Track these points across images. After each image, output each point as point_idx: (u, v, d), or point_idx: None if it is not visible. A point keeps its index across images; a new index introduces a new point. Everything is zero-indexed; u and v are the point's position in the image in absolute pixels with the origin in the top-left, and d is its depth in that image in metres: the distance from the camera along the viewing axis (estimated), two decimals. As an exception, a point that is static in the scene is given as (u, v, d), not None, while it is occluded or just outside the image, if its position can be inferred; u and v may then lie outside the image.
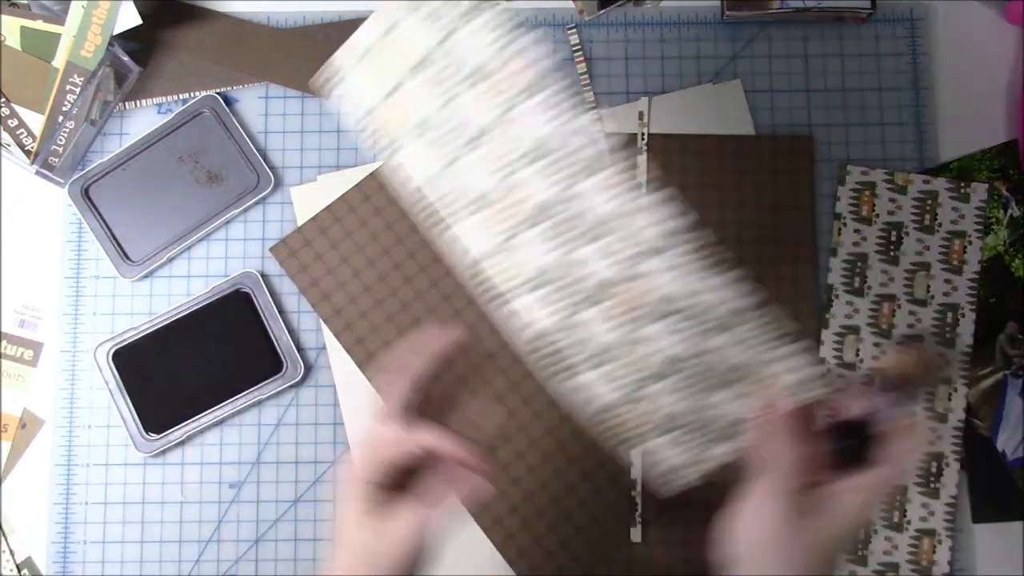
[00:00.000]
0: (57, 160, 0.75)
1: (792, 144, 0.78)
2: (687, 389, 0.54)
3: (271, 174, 0.76)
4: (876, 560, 0.73)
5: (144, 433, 0.73)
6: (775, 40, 0.80)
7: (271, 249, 0.76)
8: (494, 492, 0.55)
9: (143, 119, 0.79)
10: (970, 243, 0.76)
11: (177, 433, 0.73)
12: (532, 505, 0.73)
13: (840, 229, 0.76)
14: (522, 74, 0.51)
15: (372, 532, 0.51)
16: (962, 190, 0.76)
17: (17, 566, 0.73)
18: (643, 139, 0.77)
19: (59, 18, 0.74)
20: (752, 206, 0.77)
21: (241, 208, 0.76)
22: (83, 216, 0.76)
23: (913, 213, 0.76)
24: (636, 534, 0.73)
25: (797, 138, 0.78)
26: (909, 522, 0.73)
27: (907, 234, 0.76)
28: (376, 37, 0.53)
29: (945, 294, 0.75)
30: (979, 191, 0.77)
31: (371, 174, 0.77)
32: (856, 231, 0.76)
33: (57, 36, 0.74)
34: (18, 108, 0.75)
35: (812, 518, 0.50)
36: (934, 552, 0.73)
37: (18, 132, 0.75)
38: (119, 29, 0.74)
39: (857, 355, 0.75)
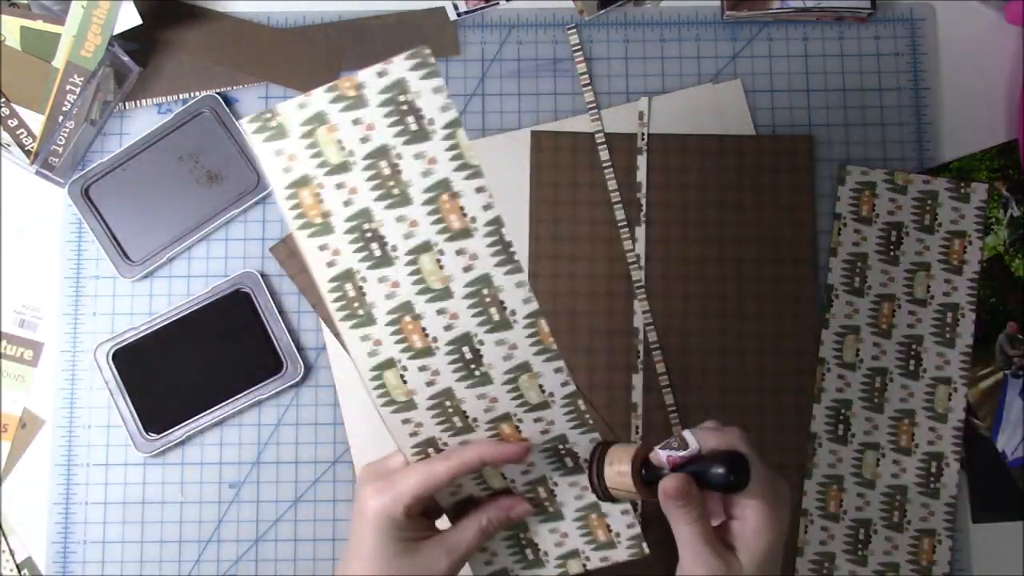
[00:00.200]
0: (57, 160, 0.75)
1: (792, 144, 0.78)
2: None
3: (271, 174, 0.76)
4: (876, 560, 0.73)
5: (144, 433, 0.73)
6: (775, 40, 0.80)
7: (271, 249, 0.76)
8: (531, 511, 0.55)
9: (143, 119, 0.79)
10: (970, 243, 0.76)
11: (177, 433, 0.73)
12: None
13: (840, 229, 0.76)
14: (458, 215, 0.49)
15: (408, 570, 0.51)
16: (962, 190, 0.76)
17: (17, 566, 0.73)
18: (643, 139, 0.77)
19: (59, 18, 0.74)
20: (752, 206, 0.77)
21: (241, 208, 0.76)
22: (83, 216, 0.76)
23: (913, 213, 0.76)
24: (636, 534, 0.73)
25: (797, 138, 0.78)
26: (909, 522, 0.73)
27: (907, 234, 0.76)
28: (337, 108, 0.49)
29: (945, 294, 0.75)
30: (979, 191, 0.77)
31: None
32: (856, 231, 0.76)
33: (57, 36, 0.74)
34: (18, 108, 0.75)
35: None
36: (934, 552, 0.73)
37: (18, 132, 0.75)
38: (119, 29, 0.74)
39: (857, 355, 0.75)
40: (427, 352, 0.51)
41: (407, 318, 0.50)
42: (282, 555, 0.73)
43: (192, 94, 0.78)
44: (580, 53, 0.79)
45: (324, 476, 0.74)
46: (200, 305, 0.75)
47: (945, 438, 0.74)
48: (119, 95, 0.78)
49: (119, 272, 0.75)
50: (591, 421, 0.52)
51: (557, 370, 0.51)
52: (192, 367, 0.74)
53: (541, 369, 0.51)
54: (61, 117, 0.74)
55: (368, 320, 0.51)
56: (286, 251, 0.76)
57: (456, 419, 0.52)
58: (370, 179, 0.50)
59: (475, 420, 0.52)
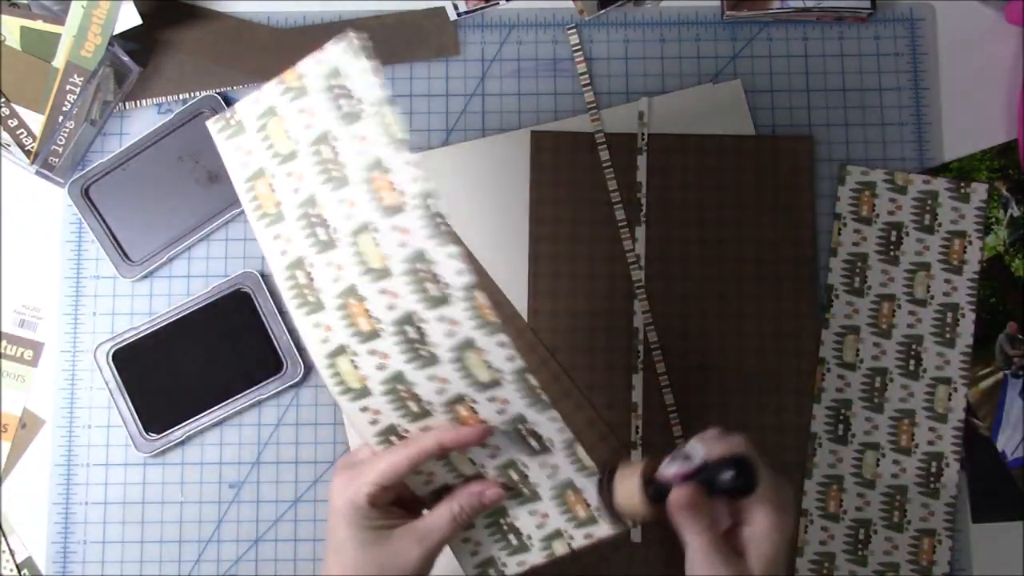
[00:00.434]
0: (57, 160, 0.75)
1: (792, 144, 0.78)
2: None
3: (271, 174, 0.76)
4: (876, 560, 0.73)
5: (144, 433, 0.73)
6: (775, 40, 0.80)
7: (271, 249, 0.76)
8: (503, 494, 0.54)
9: (143, 119, 0.79)
10: (970, 243, 0.76)
11: (177, 433, 0.73)
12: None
13: (840, 229, 0.76)
14: (389, 190, 0.49)
15: (379, 559, 0.51)
16: (962, 190, 0.76)
17: (17, 566, 0.73)
18: (643, 139, 0.77)
19: (59, 18, 0.74)
20: (752, 206, 0.77)
21: (241, 208, 0.76)
22: (83, 216, 0.76)
23: (913, 213, 0.76)
24: (636, 534, 0.73)
25: (797, 138, 0.78)
26: (909, 522, 0.73)
27: (907, 234, 0.76)
28: (285, 100, 0.50)
29: (945, 294, 0.75)
30: (979, 191, 0.77)
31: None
32: (856, 231, 0.76)
33: (57, 36, 0.74)
34: (18, 108, 0.75)
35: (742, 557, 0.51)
36: (934, 552, 0.73)
37: (18, 132, 0.75)
38: (119, 29, 0.74)
39: (857, 355, 0.75)
40: (374, 335, 0.50)
41: (352, 301, 0.50)
42: (282, 555, 0.73)
43: (192, 94, 0.78)
44: (580, 53, 0.79)
45: (324, 476, 0.74)
46: (200, 305, 0.75)
47: (945, 438, 0.74)
48: (119, 95, 0.78)
49: (119, 272, 0.75)
50: (545, 398, 0.51)
51: (501, 344, 0.49)
52: (192, 367, 0.74)
53: (485, 345, 0.49)
54: (61, 117, 0.74)
55: (318, 306, 0.51)
56: (286, 251, 0.76)
57: (411, 404, 0.52)
58: (315, 165, 0.50)
59: (430, 403, 0.52)
